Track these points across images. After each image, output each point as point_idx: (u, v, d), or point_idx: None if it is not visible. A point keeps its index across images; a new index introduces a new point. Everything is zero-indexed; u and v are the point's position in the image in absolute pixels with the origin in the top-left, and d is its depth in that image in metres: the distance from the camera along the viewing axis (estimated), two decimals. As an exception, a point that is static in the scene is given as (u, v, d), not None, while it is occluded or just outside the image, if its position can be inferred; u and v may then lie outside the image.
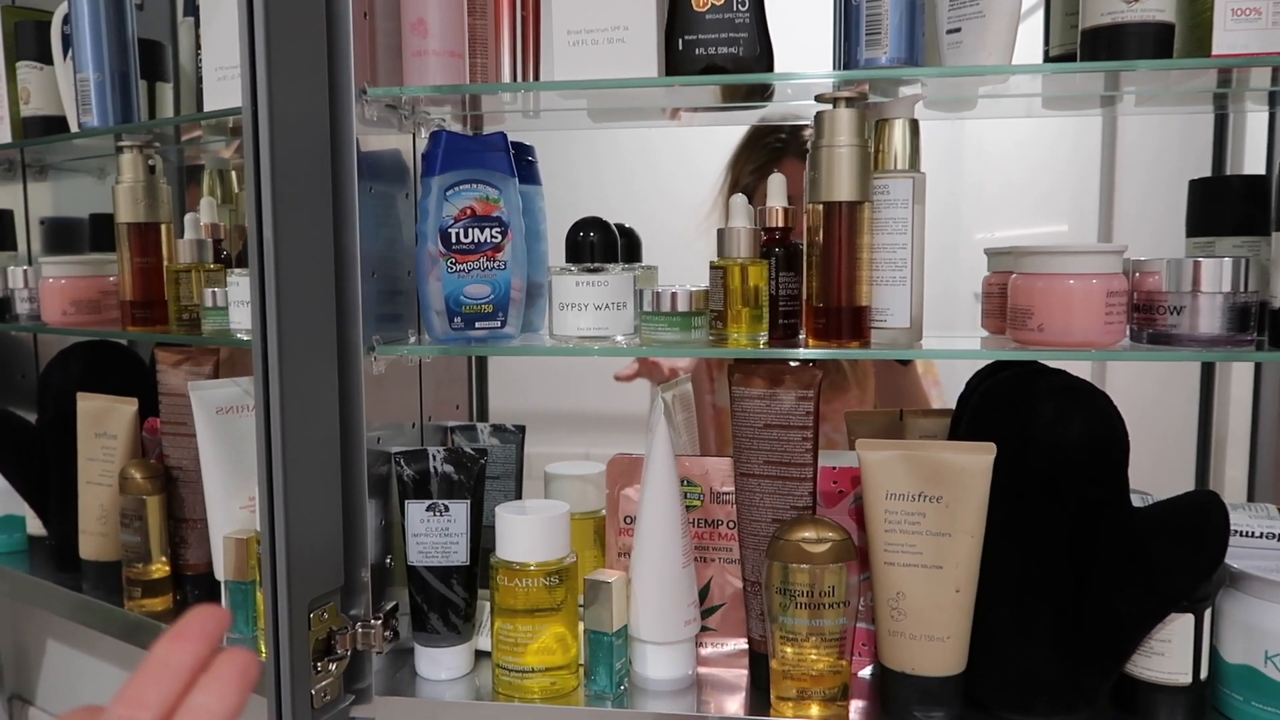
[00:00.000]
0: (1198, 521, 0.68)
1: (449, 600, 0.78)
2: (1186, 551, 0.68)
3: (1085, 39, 0.71)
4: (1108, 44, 0.70)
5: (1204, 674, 0.70)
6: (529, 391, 2.12)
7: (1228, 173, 1.25)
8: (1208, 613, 0.70)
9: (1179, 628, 0.69)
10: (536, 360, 2.25)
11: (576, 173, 2.17)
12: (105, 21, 0.98)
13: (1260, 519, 0.74)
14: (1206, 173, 1.29)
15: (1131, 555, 0.69)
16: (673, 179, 2.02)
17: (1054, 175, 1.88)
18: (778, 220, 0.78)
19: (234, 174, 1.14)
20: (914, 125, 0.75)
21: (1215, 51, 0.68)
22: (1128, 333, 0.73)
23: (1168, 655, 0.69)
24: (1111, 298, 0.69)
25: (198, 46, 0.94)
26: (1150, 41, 0.69)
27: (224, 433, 0.91)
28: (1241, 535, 0.73)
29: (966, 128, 2.24)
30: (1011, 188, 2.07)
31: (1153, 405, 1.46)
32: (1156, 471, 1.28)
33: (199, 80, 0.93)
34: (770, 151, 1.27)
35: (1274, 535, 0.73)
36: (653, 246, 1.03)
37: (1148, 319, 0.71)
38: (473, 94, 0.82)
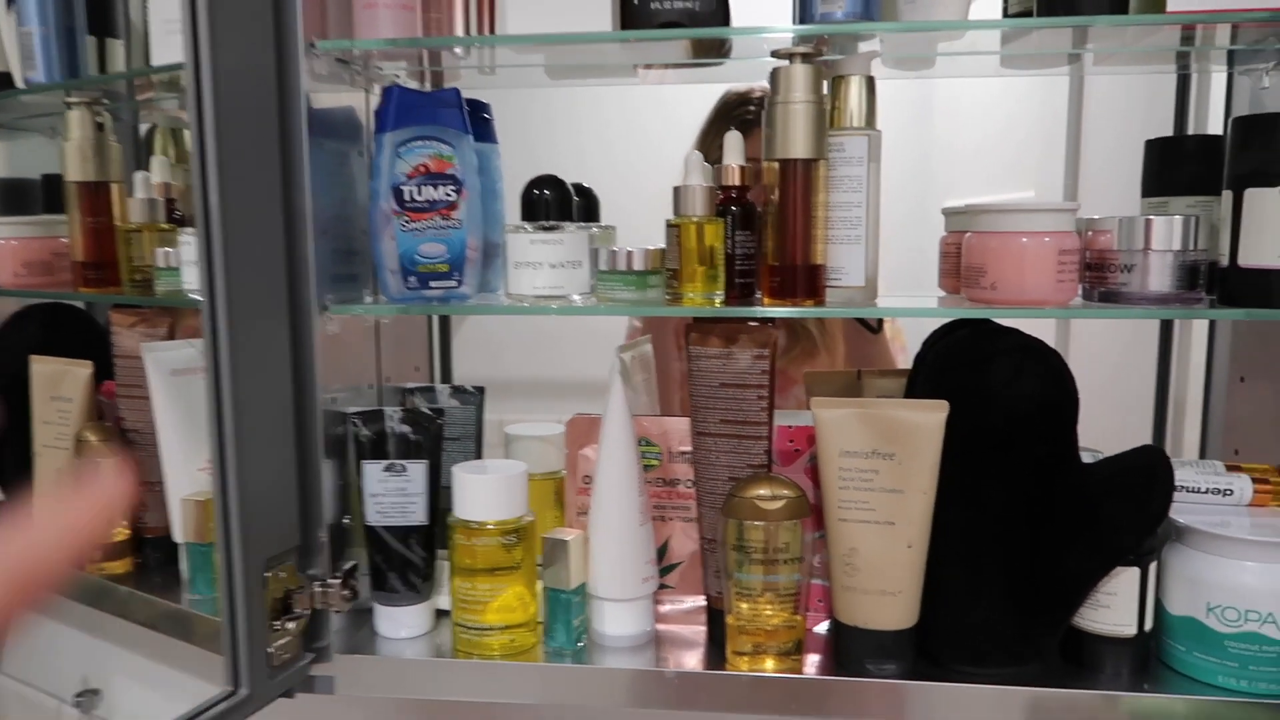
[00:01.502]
0: (1144, 477, 0.69)
1: (408, 560, 0.78)
2: (1133, 506, 0.69)
3: (1042, -5, 0.71)
4: (1065, 0, 0.69)
5: (1148, 626, 0.71)
6: (497, 358, 2.12)
7: (1191, 133, 1.25)
8: (1153, 566, 0.71)
9: (1125, 581, 0.70)
10: (504, 326, 2.24)
11: (538, 132, 2.15)
12: (48, -29, 0.95)
13: (1207, 475, 0.75)
14: (1171, 132, 1.30)
15: (1080, 510, 0.70)
16: (639, 139, 2.01)
17: (1021, 137, 1.88)
18: (734, 179, 0.77)
19: (186, 133, 1.12)
20: (870, 82, 0.74)
21: (1170, 8, 0.68)
22: (1080, 291, 0.74)
23: (1114, 608, 0.71)
24: (1063, 256, 0.70)
25: (146, -1, 0.92)
26: (1105, -3, 0.69)
27: (180, 394, 0.90)
28: (1188, 490, 0.75)
29: (937, 90, 2.24)
30: (981, 150, 2.07)
31: (1115, 365, 1.47)
32: (1119, 430, 1.30)
33: (148, 35, 0.91)
34: (740, 123, 1.26)
35: (1218, 490, 0.74)
36: (619, 206, 1.03)
37: (1099, 277, 0.72)
38: (427, 48, 0.80)
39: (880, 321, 1.27)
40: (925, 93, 2.25)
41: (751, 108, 1.25)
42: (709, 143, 1.27)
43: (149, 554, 0.96)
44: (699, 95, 1.28)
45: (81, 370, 0.98)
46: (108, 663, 1.02)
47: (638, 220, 0.94)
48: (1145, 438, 1.22)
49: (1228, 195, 0.70)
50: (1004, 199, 1.95)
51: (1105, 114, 1.62)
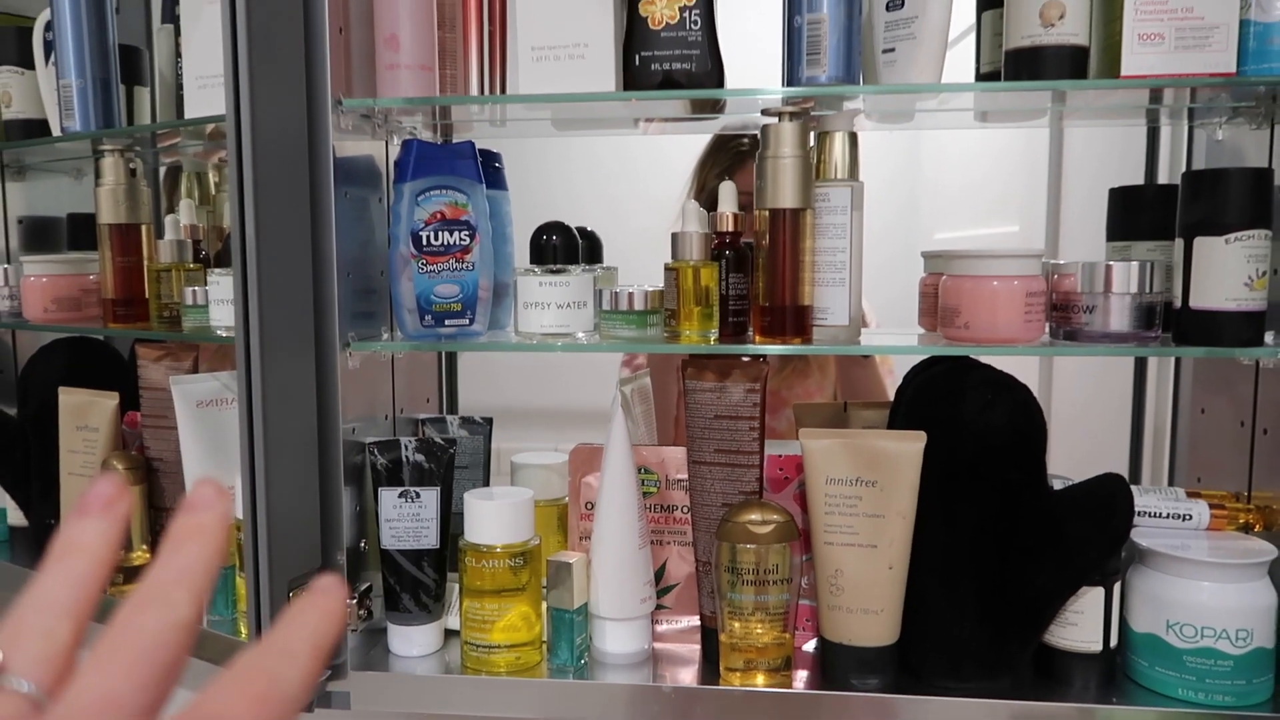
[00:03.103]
0: (1106, 501, 0.74)
1: (420, 581, 0.83)
2: (1096, 529, 0.74)
3: (1008, 59, 0.77)
4: (1028, 64, 0.76)
5: (1114, 642, 0.76)
6: (500, 387, 2.17)
7: (1160, 181, 1.32)
8: (1117, 586, 0.76)
9: (1091, 600, 0.76)
10: (507, 357, 2.30)
11: (544, 178, 2.23)
12: (87, 28, 1.02)
13: (1168, 501, 0.81)
14: (1142, 180, 1.37)
15: (1048, 533, 0.75)
16: (637, 183, 2.08)
17: (1005, 179, 1.96)
18: (728, 225, 0.83)
19: (211, 176, 1.18)
20: (853, 137, 0.81)
21: (1124, 73, 0.75)
22: (1047, 329, 0.80)
23: (1081, 625, 0.76)
24: (1031, 298, 0.76)
25: (177, 54, 0.98)
26: (1066, 62, 0.76)
27: (204, 425, 0.95)
28: (1150, 516, 0.80)
29: (924, 134, 2.32)
30: (967, 190, 2.15)
31: (1092, 397, 1.53)
32: (1096, 457, 1.36)
33: (178, 86, 0.97)
34: (734, 154, 1.32)
35: (1178, 515, 0.80)
36: (619, 247, 1.09)
37: (1064, 317, 0.78)
38: (442, 105, 0.86)
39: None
40: (913, 136, 2.33)
41: (745, 139, 1.31)
42: (705, 173, 1.33)
43: (170, 577, 1.01)
44: (695, 143, 1.35)
45: (108, 401, 1.03)
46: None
47: (638, 259, 1.00)
48: (1122, 464, 1.27)
49: (1179, 242, 0.76)
50: (988, 233, 2.03)
51: (1083, 160, 1.69)
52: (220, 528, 0.28)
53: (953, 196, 2.27)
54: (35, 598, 0.26)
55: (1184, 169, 1.02)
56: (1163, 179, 1.32)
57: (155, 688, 0.25)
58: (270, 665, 0.26)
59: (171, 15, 1.02)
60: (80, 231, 1.30)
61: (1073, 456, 1.52)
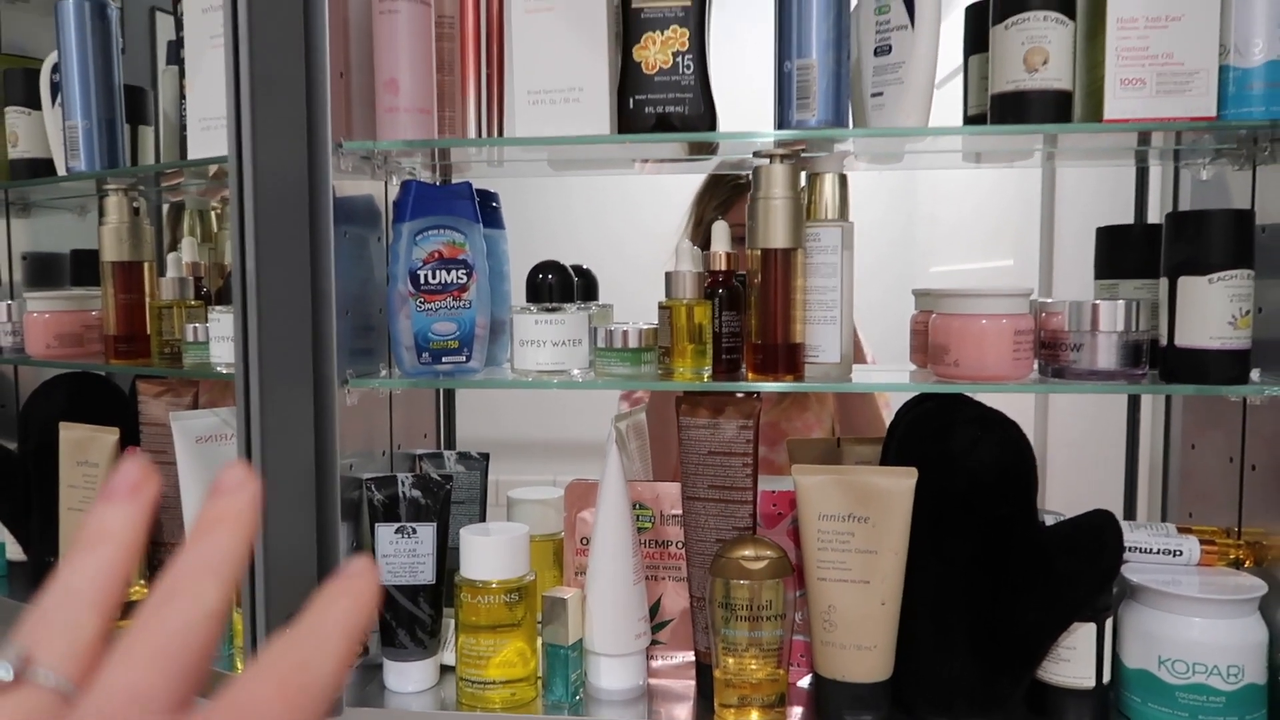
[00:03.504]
0: (1096, 537, 0.75)
1: (416, 617, 0.84)
2: (1086, 564, 0.75)
3: (994, 103, 0.79)
4: (1013, 108, 0.78)
5: (1106, 678, 0.77)
6: (497, 420, 2.19)
7: (1150, 218, 1.34)
8: (1109, 622, 0.77)
9: (1083, 636, 0.76)
10: (504, 391, 2.32)
11: (542, 216, 2.26)
12: (94, 70, 1.04)
13: (1158, 537, 0.81)
14: (1132, 217, 1.39)
15: (1039, 569, 0.76)
16: (634, 219, 2.11)
17: (999, 214, 1.98)
18: (721, 264, 0.84)
19: (213, 214, 1.20)
20: (843, 179, 0.83)
21: (1107, 116, 0.76)
22: (1036, 366, 0.81)
23: (1073, 661, 0.76)
24: (1019, 336, 0.77)
25: (181, 95, 1.00)
26: (1050, 107, 0.77)
27: (203, 460, 0.96)
28: (1141, 551, 0.81)
29: (918, 170, 2.36)
30: (961, 225, 2.17)
31: (1089, 434, 1.54)
32: (1094, 492, 1.36)
33: (182, 126, 0.99)
34: (731, 189, 1.34)
35: (1169, 551, 0.80)
36: (616, 283, 1.10)
37: (1053, 355, 0.79)
38: (440, 148, 0.88)
39: None
40: (908, 172, 2.36)
41: (743, 176, 1.33)
42: (702, 207, 1.34)
43: (166, 612, 1.01)
44: (692, 180, 1.37)
45: (108, 436, 1.04)
46: None
47: (635, 295, 1.01)
48: (1117, 500, 1.28)
49: (1164, 282, 0.77)
50: (982, 267, 2.05)
51: (1075, 197, 1.72)
52: (250, 512, 0.27)
53: (947, 231, 2.30)
54: (61, 588, 0.25)
55: (1171, 208, 1.03)
56: (1152, 217, 1.34)
57: (184, 680, 0.24)
58: (301, 653, 0.25)
59: (177, 57, 1.05)
60: (83, 268, 1.31)
61: (1069, 493, 1.53)
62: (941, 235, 2.40)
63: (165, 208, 1.29)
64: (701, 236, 1.33)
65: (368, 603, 0.27)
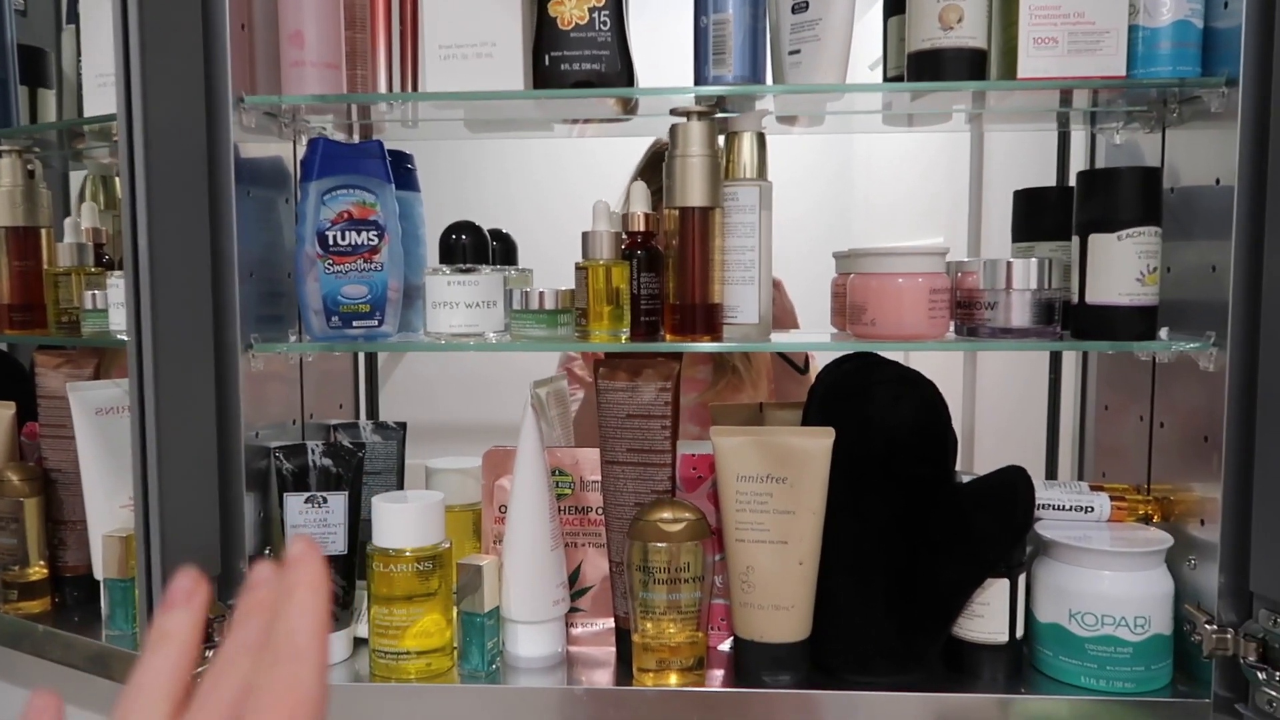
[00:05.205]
0: (1008, 494, 0.75)
1: (327, 589, 0.81)
2: (1000, 522, 0.75)
3: (910, 62, 0.79)
4: (929, 66, 0.78)
5: (1020, 633, 0.78)
6: (426, 401, 2.15)
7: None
8: (1022, 578, 0.77)
9: (997, 592, 0.77)
10: (433, 369, 2.28)
11: (461, 180, 2.21)
12: (-18, 28, 0.99)
13: (1071, 494, 0.82)
14: (1054, 183, 1.40)
15: (954, 527, 0.76)
16: (561, 186, 2.09)
17: (932, 191, 2.00)
18: (639, 225, 0.83)
19: (117, 180, 1.15)
20: (761, 138, 0.82)
21: (1020, 74, 0.76)
22: (953, 326, 0.81)
23: (987, 617, 0.77)
24: (934, 295, 0.77)
25: (79, 53, 0.95)
26: (965, 65, 0.77)
27: (103, 433, 0.92)
28: (1054, 509, 0.82)
29: (855, 150, 2.37)
30: (896, 203, 2.19)
31: (1014, 395, 1.57)
32: (1019, 453, 1.38)
33: (80, 87, 0.94)
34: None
35: (1080, 508, 0.81)
36: (539, 249, 1.08)
37: (968, 314, 0.79)
38: (347, 103, 0.85)
39: (806, 362, 1.33)
40: (845, 152, 2.38)
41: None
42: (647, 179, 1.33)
43: (68, 593, 0.97)
44: (622, 145, 1.35)
45: (4, 411, 0.99)
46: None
47: (561, 262, 0.99)
48: (1039, 459, 1.29)
49: (1075, 240, 0.78)
50: (915, 244, 2.07)
51: (1002, 167, 1.74)
52: (324, 578, 0.31)
53: (883, 209, 2.32)
54: (138, 685, 0.30)
55: (1088, 165, 1.04)
56: (1072, 182, 1.36)
57: None
58: (288, 675, 0.28)
59: (74, 15, 1.00)
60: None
61: (994, 453, 1.55)
62: (876, 217, 2.42)
63: (76, 176, 1.23)
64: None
65: (321, 585, 0.30)
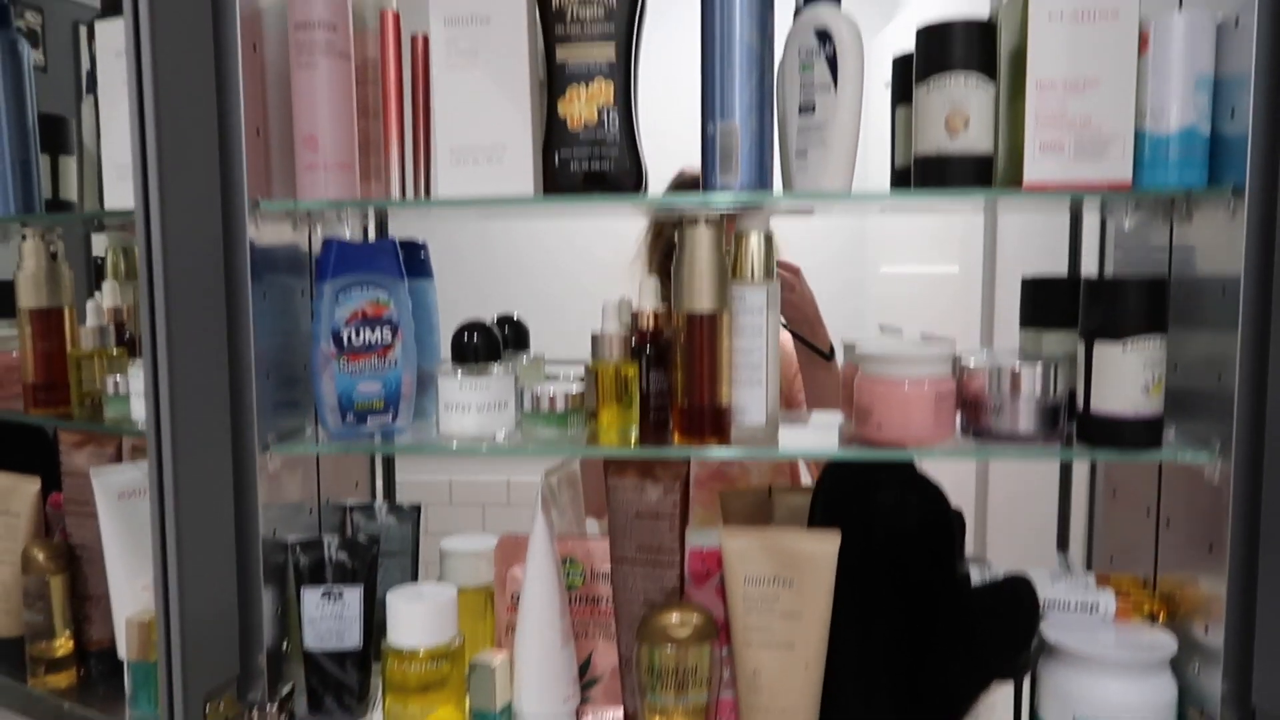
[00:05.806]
0: (1013, 603, 0.76)
1: (343, 683, 0.83)
2: (1006, 631, 0.76)
3: (916, 165, 0.79)
4: (935, 173, 0.78)
5: (1024, 734, 0.79)
6: (439, 460, 2.15)
7: (1084, 251, 1.35)
8: (1027, 679, 0.78)
9: (1002, 694, 0.77)
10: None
11: (472, 259, 2.21)
12: (5, 108, 1.00)
13: (1076, 591, 0.83)
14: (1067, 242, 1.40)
15: (959, 631, 0.77)
16: (575, 257, 2.10)
17: (945, 218, 1.99)
18: (648, 324, 0.84)
19: (137, 250, 1.16)
20: (769, 238, 0.82)
21: (1026, 179, 0.77)
22: (959, 424, 0.82)
23: (993, 719, 0.78)
24: (940, 400, 0.78)
25: (98, 129, 0.96)
26: (971, 171, 0.78)
27: (126, 516, 0.94)
28: (1060, 607, 0.82)
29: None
30: (913, 225, 2.19)
31: (1027, 481, 1.57)
32: (1035, 538, 1.38)
33: (101, 159, 0.96)
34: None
35: (1085, 606, 0.82)
36: (555, 307, 1.09)
37: (974, 416, 0.80)
38: (360, 207, 0.86)
39: (831, 349, 1.32)
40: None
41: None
42: (650, 254, 1.34)
43: (93, 666, 0.99)
44: (629, 224, 1.37)
45: (29, 486, 1.02)
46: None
47: (569, 339, 1.00)
48: (1051, 539, 1.30)
49: (1081, 345, 0.78)
50: (930, 271, 2.06)
51: (1016, 239, 1.74)
52: None
53: (898, 232, 2.32)
54: None
55: (1099, 246, 1.04)
56: (1088, 246, 1.35)
57: None
58: None
59: (94, 85, 1.01)
60: (4, 300, 1.27)
61: (1008, 538, 1.55)
62: (892, 236, 2.41)
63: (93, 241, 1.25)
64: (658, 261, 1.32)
65: None
